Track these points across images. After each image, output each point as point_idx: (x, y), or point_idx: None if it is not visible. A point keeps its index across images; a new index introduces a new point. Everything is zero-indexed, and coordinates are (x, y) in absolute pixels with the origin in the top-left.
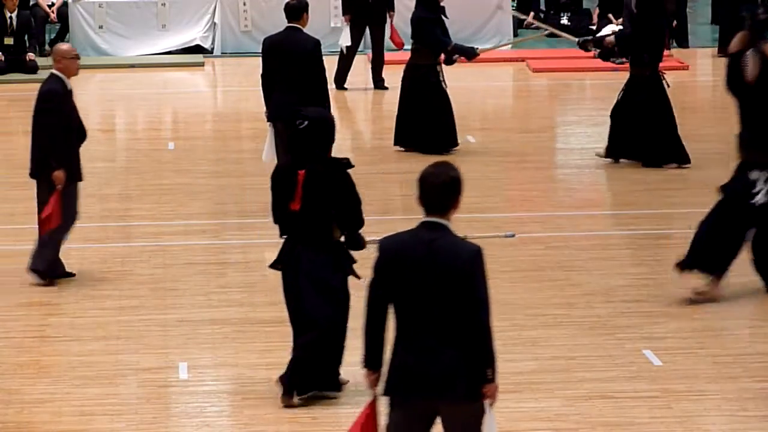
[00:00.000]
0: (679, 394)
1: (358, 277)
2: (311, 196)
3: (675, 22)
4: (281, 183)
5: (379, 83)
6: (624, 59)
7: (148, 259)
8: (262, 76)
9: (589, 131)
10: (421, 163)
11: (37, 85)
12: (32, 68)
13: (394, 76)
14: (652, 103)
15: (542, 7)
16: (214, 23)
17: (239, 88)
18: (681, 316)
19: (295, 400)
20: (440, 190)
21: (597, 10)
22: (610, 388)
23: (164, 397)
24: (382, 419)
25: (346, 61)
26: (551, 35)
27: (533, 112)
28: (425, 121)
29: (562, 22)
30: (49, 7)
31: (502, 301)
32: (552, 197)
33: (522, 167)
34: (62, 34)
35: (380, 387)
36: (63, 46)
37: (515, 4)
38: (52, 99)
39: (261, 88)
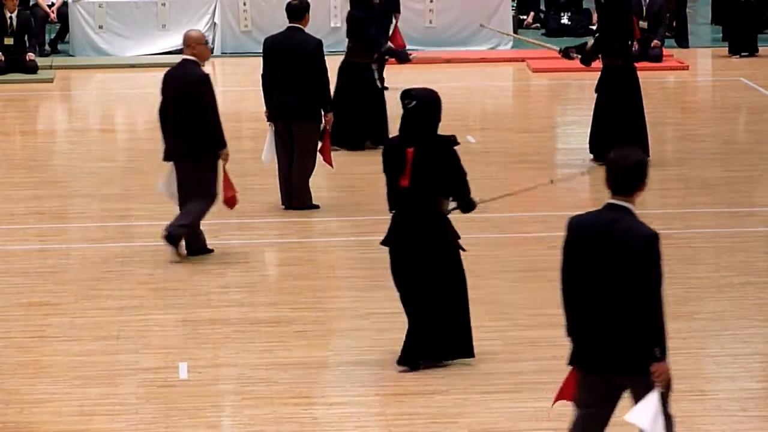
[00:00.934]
0: (679, 394)
1: (463, 249)
2: (420, 173)
3: (675, 22)
4: (391, 160)
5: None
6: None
7: (148, 259)
8: (263, 76)
9: (588, 131)
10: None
11: (37, 85)
12: (32, 68)
13: (394, 76)
14: (622, 96)
15: (542, 7)
16: (214, 23)
17: (239, 88)
18: (681, 316)
19: (410, 369)
20: (627, 173)
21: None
22: None
23: (164, 397)
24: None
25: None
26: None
27: (533, 112)
28: (358, 119)
29: (562, 22)
30: (49, 7)
31: (502, 301)
32: (552, 197)
33: (522, 167)
34: (62, 34)
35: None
36: (194, 33)
37: (515, 5)
38: (207, 81)
39: (261, 88)
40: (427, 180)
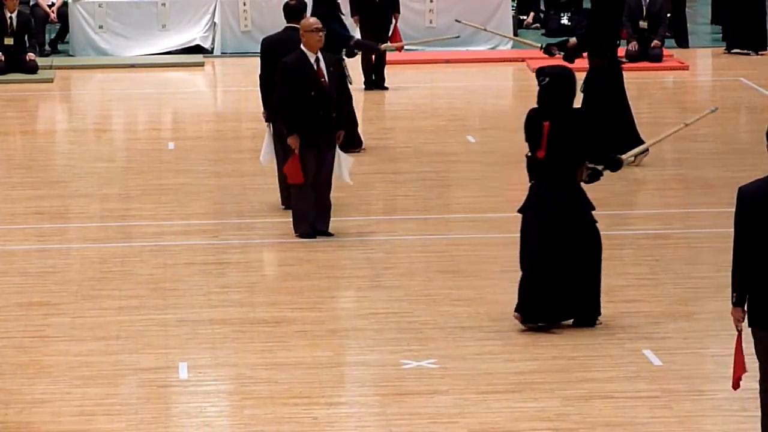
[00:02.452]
0: (679, 394)
1: (595, 221)
2: (555, 145)
3: (675, 22)
4: (530, 133)
5: (380, 83)
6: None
7: (148, 259)
8: (261, 77)
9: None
10: (417, 164)
11: (37, 85)
12: (32, 68)
13: (393, 77)
14: (609, 96)
15: (542, 7)
16: (214, 23)
17: (239, 88)
18: (681, 316)
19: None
20: None
21: None
22: (610, 388)
23: (164, 397)
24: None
25: (367, 61)
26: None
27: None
28: None
29: (562, 22)
30: (50, 7)
31: (502, 301)
32: None
33: (522, 167)
34: (62, 34)
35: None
36: (304, 20)
37: (515, 5)
38: (280, 69)
39: (260, 89)
40: (563, 151)
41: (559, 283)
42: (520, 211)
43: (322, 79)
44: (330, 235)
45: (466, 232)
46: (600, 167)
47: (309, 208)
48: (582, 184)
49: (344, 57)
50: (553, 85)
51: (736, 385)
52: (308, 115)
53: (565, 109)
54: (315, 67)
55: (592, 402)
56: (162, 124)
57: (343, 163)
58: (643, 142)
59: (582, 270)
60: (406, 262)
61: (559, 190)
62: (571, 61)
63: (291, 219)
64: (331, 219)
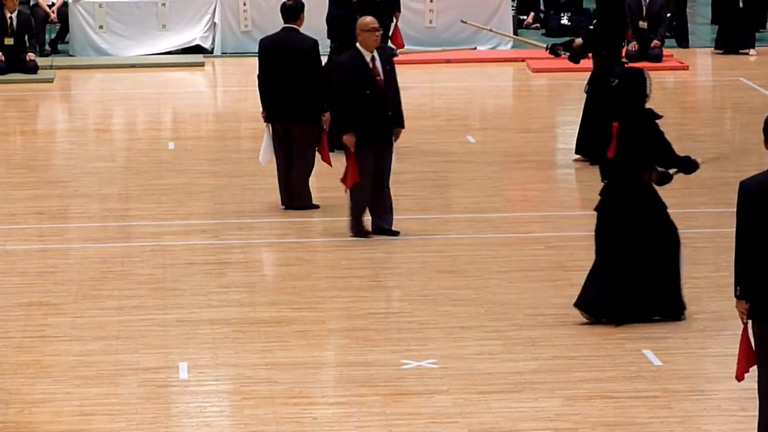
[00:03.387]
0: (679, 394)
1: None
2: (624, 145)
3: (675, 22)
4: (599, 135)
5: None
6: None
7: (147, 259)
8: (259, 77)
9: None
10: (417, 164)
11: (37, 85)
12: (32, 68)
13: None
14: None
15: (542, 7)
16: (214, 23)
17: (239, 88)
18: None
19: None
20: None
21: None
22: (610, 388)
23: (164, 397)
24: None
25: None
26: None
27: (533, 112)
28: None
29: (562, 22)
30: (50, 7)
31: (501, 300)
32: (552, 197)
33: (522, 167)
34: (62, 34)
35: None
36: (360, 19)
37: (515, 5)
38: (335, 68)
39: (258, 89)
40: (631, 152)
41: (635, 279)
42: (595, 209)
43: (378, 78)
44: (396, 233)
45: (465, 232)
46: (672, 170)
47: (365, 208)
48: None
49: None
50: (621, 86)
51: (741, 377)
52: (364, 113)
53: (634, 111)
54: (371, 65)
55: (592, 402)
56: (162, 124)
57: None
58: None
59: (658, 266)
60: (405, 262)
61: (627, 189)
62: (577, 61)
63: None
64: (332, 219)
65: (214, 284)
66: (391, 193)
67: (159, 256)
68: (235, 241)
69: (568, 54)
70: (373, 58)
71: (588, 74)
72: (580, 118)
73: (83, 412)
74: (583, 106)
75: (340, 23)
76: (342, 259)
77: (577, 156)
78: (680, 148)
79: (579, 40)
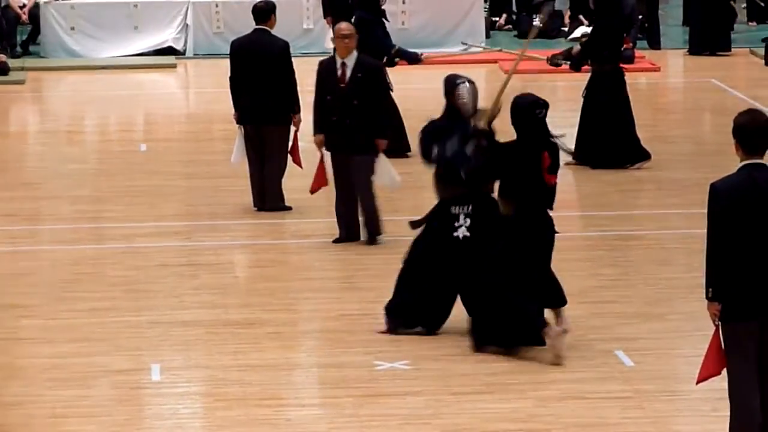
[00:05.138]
0: (651, 394)
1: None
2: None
3: (646, 24)
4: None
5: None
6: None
7: (120, 261)
8: (231, 78)
9: (561, 133)
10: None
11: (8, 87)
12: (3, 69)
13: None
14: (613, 103)
15: (514, 8)
16: (186, 25)
17: (211, 89)
18: (653, 316)
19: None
20: (762, 132)
21: (569, 12)
22: (583, 389)
23: (137, 399)
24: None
25: None
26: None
27: (505, 114)
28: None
29: (534, 23)
30: (21, 8)
31: None
32: None
33: None
34: (34, 35)
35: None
36: (336, 25)
37: (487, 7)
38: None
39: (230, 91)
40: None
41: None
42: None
43: (342, 85)
44: (357, 239)
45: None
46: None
47: (340, 210)
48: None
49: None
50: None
51: (703, 380)
52: (324, 118)
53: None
54: (339, 72)
55: (565, 402)
56: (134, 125)
57: (383, 169)
58: (644, 149)
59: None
60: (378, 264)
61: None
62: (578, 69)
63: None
64: (304, 220)
65: (187, 286)
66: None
67: (131, 258)
68: (207, 242)
69: (568, 63)
70: (343, 65)
71: (563, 76)
72: (578, 123)
73: (56, 415)
74: (580, 112)
75: (366, 26)
76: (315, 260)
77: (575, 161)
78: (652, 149)
79: (577, 48)
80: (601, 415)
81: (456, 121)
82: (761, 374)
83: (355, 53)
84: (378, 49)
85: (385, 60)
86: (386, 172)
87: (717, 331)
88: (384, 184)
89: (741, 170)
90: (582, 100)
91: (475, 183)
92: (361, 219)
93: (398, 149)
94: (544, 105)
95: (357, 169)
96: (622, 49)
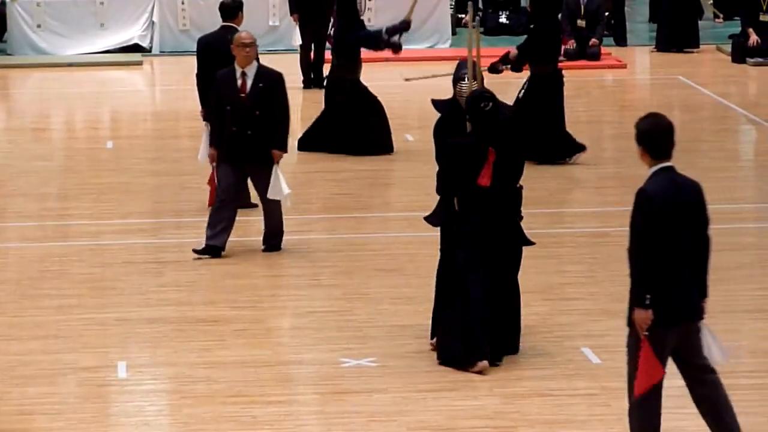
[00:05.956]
0: (617, 391)
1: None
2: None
3: (613, 21)
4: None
5: (318, 81)
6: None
7: (86, 258)
8: (198, 76)
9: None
10: (356, 163)
11: None
12: None
13: None
14: (551, 104)
15: (480, 5)
16: (153, 22)
17: (177, 87)
18: (619, 313)
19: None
20: (668, 136)
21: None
22: (549, 386)
23: (103, 396)
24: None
25: (305, 59)
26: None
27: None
28: (370, 126)
29: (500, 21)
30: None
31: None
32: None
33: None
34: (0, 33)
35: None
36: (236, 34)
37: (453, 4)
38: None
39: (196, 88)
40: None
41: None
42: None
43: (242, 95)
44: (220, 250)
45: (405, 230)
46: None
47: (216, 223)
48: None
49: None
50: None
51: (642, 393)
52: (223, 129)
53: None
54: (239, 81)
55: (531, 399)
56: (100, 123)
57: (276, 182)
58: (579, 145)
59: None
60: (345, 261)
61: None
62: (519, 71)
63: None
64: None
65: (153, 283)
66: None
67: (97, 255)
68: (173, 240)
69: (509, 66)
70: (243, 75)
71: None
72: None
73: (22, 412)
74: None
75: (348, 34)
76: (281, 257)
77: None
78: (618, 146)
79: (514, 51)
80: (568, 413)
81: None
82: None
83: (255, 63)
84: (371, 43)
85: (382, 47)
86: (278, 186)
87: (647, 340)
88: (277, 197)
89: (660, 174)
90: (516, 100)
91: None
92: (264, 230)
93: (383, 148)
94: (490, 98)
95: (261, 182)
96: (563, 49)
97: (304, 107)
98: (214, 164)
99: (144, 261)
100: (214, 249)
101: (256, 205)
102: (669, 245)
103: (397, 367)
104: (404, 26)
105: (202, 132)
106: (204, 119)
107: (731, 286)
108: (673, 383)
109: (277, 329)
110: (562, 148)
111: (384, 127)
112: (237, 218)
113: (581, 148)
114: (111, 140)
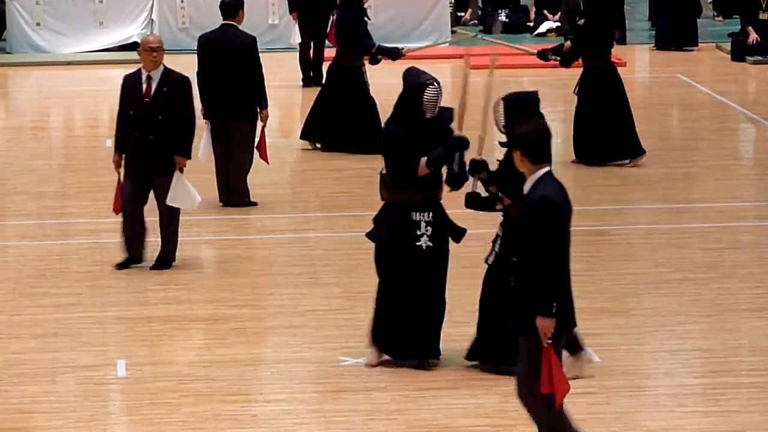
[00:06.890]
0: (616, 390)
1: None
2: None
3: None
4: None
5: (317, 80)
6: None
7: (85, 256)
8: (198, 74)
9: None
10: (354, 161)
11: None
12: None
13: None
14: (608, 97)
15: (480, 3)
16: (152, 20)
17: None
18: (619, 312)
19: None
20: (549, 141)
21: (534, 8)
22: None
23: (102, 395)
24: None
25: (304, 58)
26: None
27: (470, 108)
28: (356, 121)
29: (500, 18)
30: None
31: None
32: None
33: None
34: None
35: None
36: (143, 38)
37: (452, 2)
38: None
39: (197, 86)
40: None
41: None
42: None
43: (146, 99)
44: (138, 261)
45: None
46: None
47: (127, 235)
48: None
49: (363, 64)
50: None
51: (560, 404)
52: (126, 135)
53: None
54: (144, 85)
55: None
56: (99, 121)
57: (179, 189)
58: (640, 146)
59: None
60: (344, 259)
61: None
62: (567, 65)
63: (238, 216)
64: (270, 216)
65: (152, 281)
66: (325, 190)
67: (97, 253)
68: None
69: (558, 59)
70: (149, 78)
71: (528, 72)
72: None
73: (22, 410)
74: (575, 109)
75: (348, 26)
76: (280, 256)
77: (576, 159)
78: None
79: (568, 44)
80: (567, 410)
81: (412, 124)
82: None
83: (162, 67)
84: (359, 48)
85: (368, 58)
86: (182, 192)
87: (552, 348)
88: (179, 205)
89: (547, 179)
90: (576, 97)
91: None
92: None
93: (375, 148)
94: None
95: (161, 192)
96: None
97: (303, 106)
98: (120, 170)
99: (143, 259)
100: (133, 260)
101: (256, 203)
102: (565, 252)
103: (396, 365)
104: (395, 55)
105: (203, 130)
106: (204, 117)
107: (731, 284)
108: (672, 383)
109: (276, 328)
110: (624, 148)
111: (374, 126)
112: (235, 216)
113: (642, 152)
114: (110, 139)
